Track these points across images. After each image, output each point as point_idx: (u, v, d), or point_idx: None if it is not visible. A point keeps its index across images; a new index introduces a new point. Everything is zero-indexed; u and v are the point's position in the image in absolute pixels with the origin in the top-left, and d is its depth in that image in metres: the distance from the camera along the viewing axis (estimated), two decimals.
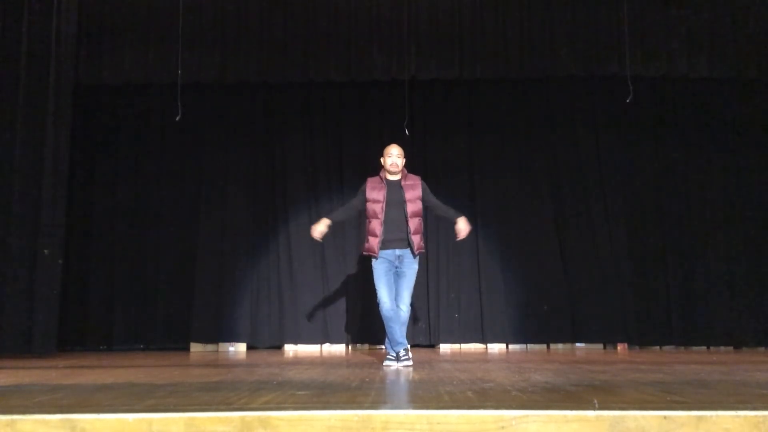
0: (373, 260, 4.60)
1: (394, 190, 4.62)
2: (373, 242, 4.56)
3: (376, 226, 4.56)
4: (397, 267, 4.58)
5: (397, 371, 4.13)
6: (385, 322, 4.56)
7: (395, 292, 4.58)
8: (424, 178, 7.15)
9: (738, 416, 2.10)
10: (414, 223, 4.57)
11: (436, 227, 7.25)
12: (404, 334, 4.59)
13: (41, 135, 6.40)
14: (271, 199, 7.35)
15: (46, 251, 6.23)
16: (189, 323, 7.04)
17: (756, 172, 7.29)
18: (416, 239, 4.56)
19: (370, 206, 4.62)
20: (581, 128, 7.45)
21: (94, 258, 7.28)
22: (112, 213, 7.36)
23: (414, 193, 4.62)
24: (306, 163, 7.35)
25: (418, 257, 4.63)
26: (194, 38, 6.75)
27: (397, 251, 4.56)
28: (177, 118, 6.51)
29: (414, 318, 7.07)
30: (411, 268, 4.59)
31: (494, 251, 7.22)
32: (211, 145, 7.40)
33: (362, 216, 4.99)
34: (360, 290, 6.96)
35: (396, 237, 4.56)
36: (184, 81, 6.59)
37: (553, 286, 7.12)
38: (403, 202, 4.58)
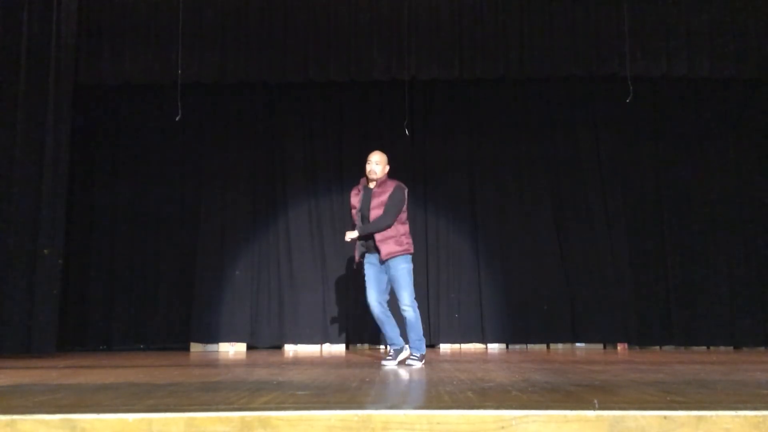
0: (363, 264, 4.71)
1: (367, 198, 4.65)
2: (357, 248, 4.70)
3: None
4: (386, 272, 4.64)
5: (395, 370, 4.13)
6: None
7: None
8: (423, 179, 7.32)
9: (738, 416, 2.10)
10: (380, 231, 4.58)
11: (436, 227, 7.26)
12: (413, 340, 4.66)
13: (41, 135, 6.40)
14: (271, 199, 7.34)
15: (46, 251, 6.23)
16: (189, 323, 7.04)
17: (756, 172, 7.30)
18: (383, 247, 4.54)
19: (353, 213, 4.73)
20: (581, 128, 7.45)
21: (94, 258, 7.28)
22: (112, 213, 7.36)
23: (379, 200, 4.59)
24: (306, 163, 7.35)
25: (407, 257, 4.64)
26: (194, 38, 6.74)
27: (377, 254, 4.62)
28: (177, 118, 6.51)
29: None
30: (396, 269, 4.58)
31: (494, 251, 7.21)
32: (211, 145, 7.40)
33: None
34: (360, 290, 6.90)
35: (369, 243, 4.62)
36: (184, 81, 6.59)
37: (553, 286, 7.12)
38: (368, 210, 4.61)
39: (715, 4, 6.85)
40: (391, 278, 4.62)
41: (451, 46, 6.83)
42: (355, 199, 4.70)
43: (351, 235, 4.59)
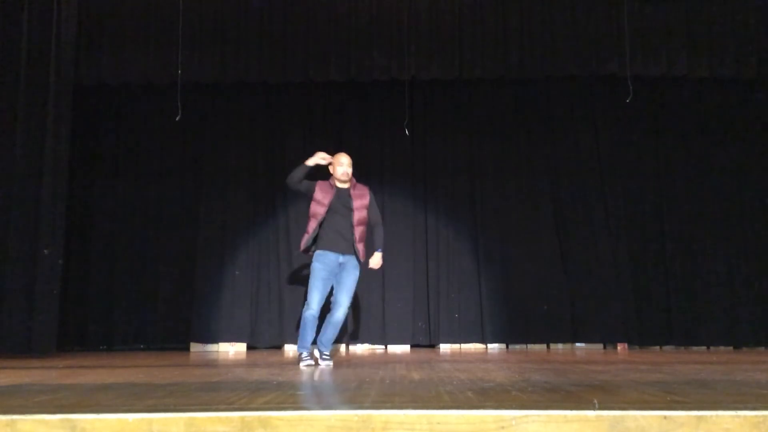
0: (314, 263, 4.62)
1: (342, 197, 4.67)
2: (304, 239, 4.66)
3: (312, 225, 4.64)
4: (337, 274, 4.63)
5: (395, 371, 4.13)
6: (302, 324, 4.57)
7: (334, 296, 4.63)
8: (423, 179, 7.32)
9: (738, 416, 2.10)
10: (359, 231, 4.64)
11: (436, 227, 7.27)
12: (331, 339, 4.63)
13: (41, 135, 6.40)
14: (271, 198, 7.35)
15: (46, 251, 6.23)
16: (189, 323, 7.04)
17: (756, 172, 7.30)
18: (361, 247, 4.64)
19: (314, 206, 4.68)
20: (581, 128, 7.45)
21: (94, 258, 7.28)
22: (112, 213, 7.36)
23: (361, 202, 4.69)
24: None
25: (359, 265, 4.69)
26: (194, 38, 6.75)
27: (340, 258, 4.60)
28: (177, 118, 6.51)
29: (414, 318, 7.10)
30: (351, 275, 4.62)
31: (494, 251, 7.21)
32: (211, 144, 7.40)
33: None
34: (359, 290, 6.94)
35: (339, 243, 4.60)
36: (184, 81, 6.59)
37: (553, 286, 7.12)
38: (350, 210, 4.63)
39: (715, 4, 6.85)
40: (345, 279, 4.61)
41: (451, 46, 6.83)
42: (324, 196, 4.65)
43: (379, 259, 4.77)
